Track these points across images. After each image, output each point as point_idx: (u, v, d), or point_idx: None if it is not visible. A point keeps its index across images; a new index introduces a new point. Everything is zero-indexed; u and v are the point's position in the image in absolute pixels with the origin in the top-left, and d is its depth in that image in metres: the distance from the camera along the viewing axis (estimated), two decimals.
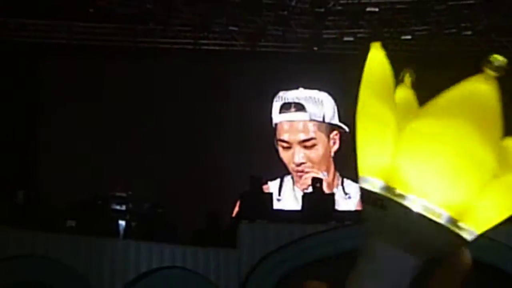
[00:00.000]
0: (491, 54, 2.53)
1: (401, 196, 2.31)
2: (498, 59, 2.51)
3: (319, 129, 15.88)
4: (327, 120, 15.90)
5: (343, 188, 15.63)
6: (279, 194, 15.22)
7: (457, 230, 2.34)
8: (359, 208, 14.77)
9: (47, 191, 13.96)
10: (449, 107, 2.52)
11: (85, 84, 15.85)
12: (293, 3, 15.41)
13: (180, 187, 15.20)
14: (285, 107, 15.95)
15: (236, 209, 13.50)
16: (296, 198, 15.10)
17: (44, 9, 15.30)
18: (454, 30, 15.92)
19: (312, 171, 15.45)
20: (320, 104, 15.96)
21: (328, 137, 15.91)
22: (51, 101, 15.91)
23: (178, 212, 12.88)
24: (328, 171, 15.67)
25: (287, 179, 15.77)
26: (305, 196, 11.82)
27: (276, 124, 15.96)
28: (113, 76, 15.99)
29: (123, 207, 11.31)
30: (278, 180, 15.67)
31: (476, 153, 2.35)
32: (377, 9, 15.36)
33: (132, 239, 10.91)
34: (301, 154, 15.74)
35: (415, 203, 2.32)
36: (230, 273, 10.81)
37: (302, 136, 15.86)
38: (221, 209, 12.96)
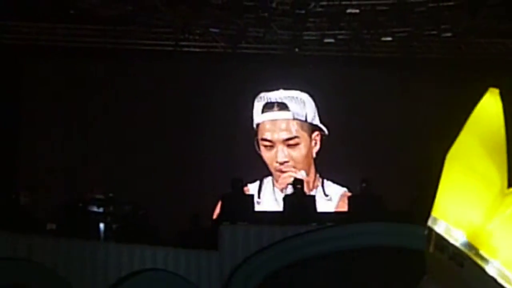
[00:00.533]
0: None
1: (484, 259, 2.26)
2: None
3: (302, 128, 15.88)
4: (309, 120, 15.91)
5: (323, 189, 15.64)
6: (259, 197, 15.18)
7: None
8: (339, 209, 14.82)
9: (27, 194, 13.89)
10: None
11: (68, 86, 15.81)
12: (273, 5, 15.41)
13: (161, 188, 15.18)
14: (268, 107, 15.93)
15: (216, 210, 13.49)
16: (276, 200, 15.08)
17: (26, 11, 15.25)
18: (434, 32, 15.98)
19: (290, 171, 15.44)
20: (302, 104, 15.97)
21: (310, 137, 15.92)
22: (33, 103, 15.85)
23: (159, 214, 12.86)
24: (308, 171, 15.66)
25: (267, 181, 15.75)
26: (286, 198, 11.83)
27: (258, 124, 15.93)
28: (95, 78, 15.96)
29: (104, 209, 11.26)
30: (258, 182, 15.63)
31: None
32: (357, 11, 15.37)
33: (113, 241, 10.87)
34: (285, 153, 15.72)
35: (494, 268, 2.27)
36: (211, 275, 10.80)
37: (286, 135, 15.85)
38: (202, 211, 12.95)
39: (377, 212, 11.14)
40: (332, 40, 16.13)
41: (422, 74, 16.52)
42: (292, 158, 15.71)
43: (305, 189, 13.68)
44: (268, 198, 15.30)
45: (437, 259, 2.39)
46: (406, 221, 11.07)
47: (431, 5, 15.28)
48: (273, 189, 15.53)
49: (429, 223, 2.39)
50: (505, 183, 2.43)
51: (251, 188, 15.20)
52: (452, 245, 2.32)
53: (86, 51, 15.86)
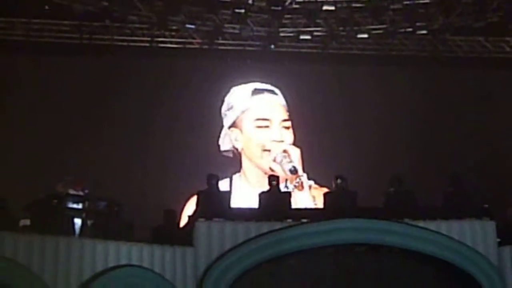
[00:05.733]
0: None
1: None
2: None
3: (288, 116, 15.94)
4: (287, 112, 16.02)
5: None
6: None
7: None
8: (314, 206, 14.83)
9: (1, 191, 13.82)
10: None
11: (43, 81, 15.74)
12: (249, 1, 15.43)
13: (136, 185, 15.14)
14: (257, 92, 15.91)
15: (189, 206, 13.46)
16: (246, 195, 15.02)
17: (1, 6, 15.19)
18: (409, 29, 16.06)
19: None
20: (283, 96, 16.07)
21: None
22: (7, 97, 15.74)
23: (134, 210, 12.83)
24: None
25: (236, 178, 15.68)
26: (261, 195, 11.83)
27: (247, 109, 15.83)
28: (70, 73, 15.89)
29: (79, 206, 11.20)
30: (228, 179, 15.56)
31: None
32: (333, 8, 15.43)
33: (88, 237, 10.83)
34: (282, 133, 15.63)
35: None
36: (186, 271, 10.78)
37: (283, 115, 15.84)
38: (177, 207, 12.91)
39: (352, 208, 11.16)
40: (308, 37, 16.17)
41: (398, 71, 16.60)
42: (285, 140, 15.60)
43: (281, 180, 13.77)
44: (239, 194, 15.20)
45: None
46: (381, 218, 11.11)
47: (406, 2, 15.37)
48: (243, 185, 15.45)
49: None
50: None
51: (222, 185, 15.12)
52: None
53: (62, 47, 15.83)
